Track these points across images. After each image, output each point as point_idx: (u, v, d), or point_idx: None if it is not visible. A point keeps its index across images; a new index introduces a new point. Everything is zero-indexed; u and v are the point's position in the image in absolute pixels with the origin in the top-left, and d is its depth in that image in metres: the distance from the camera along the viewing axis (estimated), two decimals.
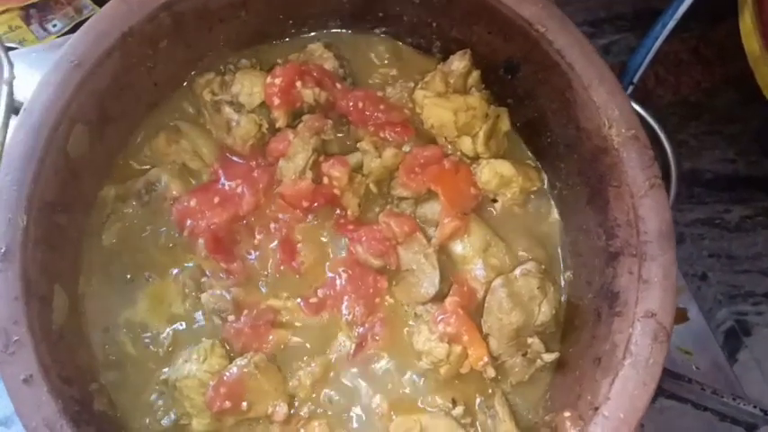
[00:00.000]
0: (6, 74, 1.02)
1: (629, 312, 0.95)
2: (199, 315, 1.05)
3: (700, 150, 1.80)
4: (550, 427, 0.98)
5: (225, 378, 0.98)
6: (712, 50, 1.81)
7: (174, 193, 1.09)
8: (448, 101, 1.08)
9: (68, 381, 0.95)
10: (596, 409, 0.91)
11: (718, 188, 1.77)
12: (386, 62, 1.19)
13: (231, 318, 1.03)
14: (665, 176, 1.04)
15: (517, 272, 1.04)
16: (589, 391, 0.95)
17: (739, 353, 1.50)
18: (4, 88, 1.01)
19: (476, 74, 1.13)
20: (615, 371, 0.92)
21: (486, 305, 1.04)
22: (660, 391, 0.90)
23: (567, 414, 0.96)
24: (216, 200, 1.08)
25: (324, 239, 1.10)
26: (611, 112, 0.99)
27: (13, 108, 1.14)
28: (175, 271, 1.08)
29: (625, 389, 0.91)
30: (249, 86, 1.08)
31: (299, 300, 1.07)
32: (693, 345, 1.33)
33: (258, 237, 1.09)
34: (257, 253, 1.09)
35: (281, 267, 1.08)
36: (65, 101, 0.98)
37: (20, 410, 0.89)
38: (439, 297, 1.06)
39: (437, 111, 1.08)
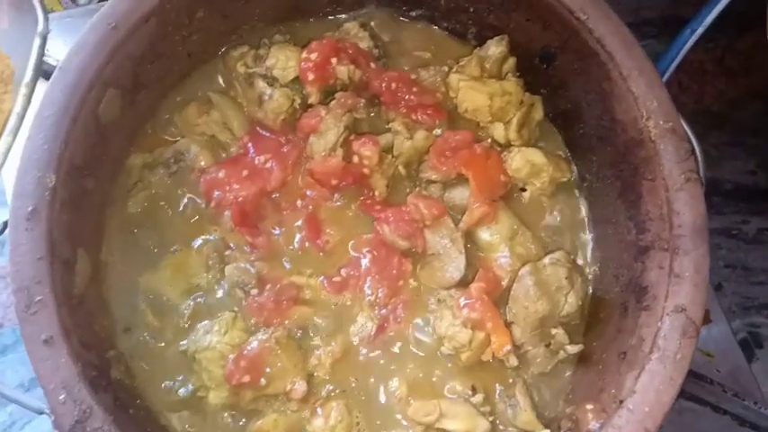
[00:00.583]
0: (41, 26, 0.98)
1: (658, 307, 0.94)
2: (221, 287, 1.04)
3: (720, 160, 1.79)
4: (572, 420, 0.97)
5: (245, 352, 0.97)
6: (738, 61, 1.81)
7: (203, 164, 1.08)
8: (484, 85, 1.07)
9: (87, 346, 0.94)
10: (621, 402, 0.90)
11: (738, 199, 1.76)
12: (420, 46, 1.19)
13: (254, 292, 1.03)
14: None
15: (546, 260, 1.03)
16: (613, 385, 0.94)
17: (751, 364, 1.49)
18: (37, 41, 0.98)
19: (512, 60, 1.12)
20: (641, 365, 0.91)
21: (512, 293, 1.02)
22: (680, 393, 0.88)
23: (589, 407, 0.95)
24: (244, 173, 1.07)
25: (350, 219, 1.09)
26: (650, 104, 0.98)
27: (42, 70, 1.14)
28: (199, 242, 1.07)
29: (651, 383, 0.89)
30: (284, 61, 1.07)
31: (322, 278, 1.06)
32: (715, 348, 1.32)
33: (285, 212, 1.08)
34: (283, 229, 1.08)
35: (306, 244, 1.07)
36: (100, 63, 0.98)
37: (39, 371, 0.89)
38: (463, 283, 1.05)
39: (472, 94, 1.07)
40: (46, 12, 1.00)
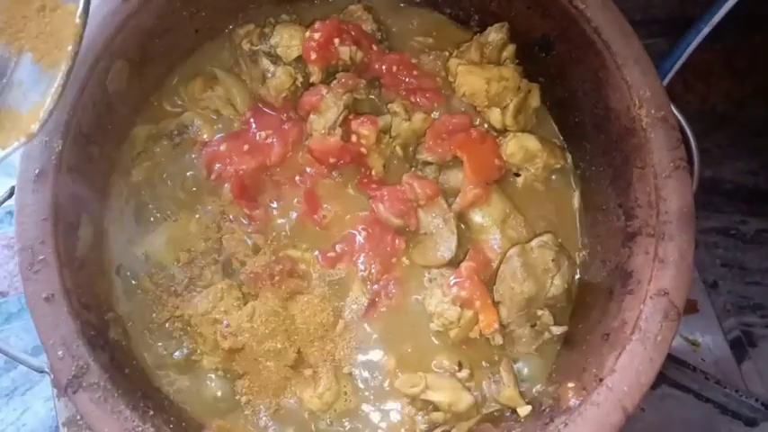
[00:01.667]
0: None
1: (642, 290, 0.96)
2: (218, 257, 1.07)
3: (722, 160, 1.79)
4: (553, 398, 0.99)
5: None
6: (744, 62, 1.81)
7: (205, 137, 1.12)
8: (482, 69, 1.09)
9: (87, 306, 0.98)
10: (600, 380, 0.92)
11: (737, 199, 1.77)
12: (422, 31, 1.21)
13: (250, 262, 1.05)
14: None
15: (534, 243, 1.06)
16: (595, 365, 0.96)
17: (743, 363, 1.50)
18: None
19: (511, 47, 1.14)
20: (623, 345, 0.93)
21: (499, 273, 1.05)
22: (663, 379, 0.90)
23: (570, 385, 0.96)
24: (246, 147, 1.10)
25: (347, 196, 1.12)
26: (643, 93, 1.00)
27: None
28: (198, 213, 1.09)
29: (631, 363, 0.91)
30: (288, 39, 1.10)
31: (316, 252, 1.08)
32: (701, 337, 1.34)
33: (283, 187, 1.11)
34: (281, 203, 1.11)
35: (303, 219, 1.10)
36: (109, 34, 1.01)
37: (39, 327, 0.92)
38: (454, 263, 1.07)
39: (470, 78, 1.09)
40: None
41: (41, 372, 1.07)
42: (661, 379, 0.92)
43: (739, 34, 1.76)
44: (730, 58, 1.81)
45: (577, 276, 1.11)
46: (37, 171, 0.95)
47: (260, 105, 1.14)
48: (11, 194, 1.03)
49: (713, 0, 1.30)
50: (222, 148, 1.10)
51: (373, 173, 1.11)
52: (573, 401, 0.94)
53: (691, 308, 1.36)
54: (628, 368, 0.91)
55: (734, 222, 1.73)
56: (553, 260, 1.04)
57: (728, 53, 1.81)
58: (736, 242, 1.71)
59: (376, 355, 1.05)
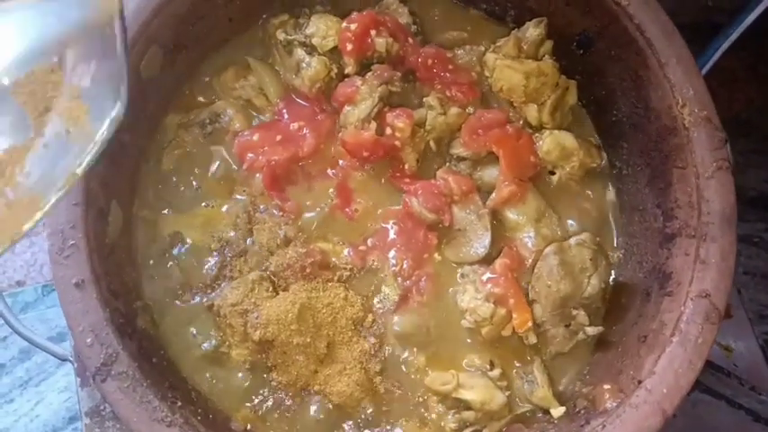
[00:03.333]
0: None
1: (682, 292, 0.94)
2: (248, 248, 1.06)
3: (746, 168, 1.78)
4: (588, 399, 0.97)
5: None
6: None
7: (237, 126, 1.10)
8: (521, 64, 1.08)
9: (116, 294, 0.96)
10: (639, 382, 0.91)
11: (761, 207, 1.75)
12: (457, 25, 1.19)
13: (280, 253, 1.04)
14: None
15: (572, 241, 1.04)
16: (632, 367, 0.95)
17: None
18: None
19: (549, 44, 1.12)
20: (662, 347, 0.92)
21: (535, 271, 1.03)
22: (696, 384, 0.89)
23: (606, 386, 0.95)
24: (278, 138, 1.09)
25: (379, 190, 1.10)
26: (686, 92, 0.98)
27: None
28: (229, 203, 1.08)
29: (671, 365, 0.90)
30: (324, 29, 1.08)
31: (348, 246, 1.07)
32: (734, 342, 1.32)
33: (315, 179, 1.10)
34: (312, 195, 1.09)
35: (335, 212, 1.08)
36: (145, 19, 1.00)
37: (68, 313, 0.91)
38: (487, 260, 1.06)
39: (508, 73, 1.08)
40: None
41: (64, 360, 1.06)
42: (694, 385, 0.90)
43: (764, 42, 1.74)
44: (755, 65, 1.80)
45: (612, 276, 1.10)
46: None
47: (293, 96, 1.13)
48: None
49: (739, 7, 1.29)
50: (255, 137, 1.08)
51: (406, 167, 1.09)
52: (609, 403, 0.92)
53: (726, 312, 1.34)
54: (667, 370, 0.90)
55: (757, 231, 1.72)
56: (591, 259, 1.02)
57: (754, 60, 1.80)
58: (759, 251, 1.70)
59: (406, 351, 1.04)
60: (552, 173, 1.12)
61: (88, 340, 0.90)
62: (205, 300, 1.03)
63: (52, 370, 1.63)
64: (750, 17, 1.33)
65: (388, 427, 1.01)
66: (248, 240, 1.06)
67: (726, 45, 1.34)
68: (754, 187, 1.77)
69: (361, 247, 1.07)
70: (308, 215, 1.08)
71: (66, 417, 1.60)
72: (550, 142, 1.09)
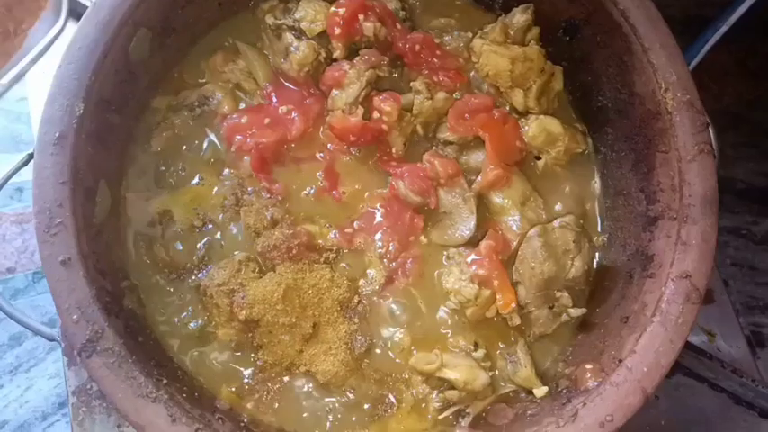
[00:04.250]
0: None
1: (663, 273, 0.95)
2: (235, 228, 1.07)
3: (735, 160, 1.79)
4: (570, 379, 0.98)
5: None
6: (759, 63, 1.81)
7: (226, 109, 1.11)
8: (507, 49, 1.09)
9: (102, 273, 0.97)
10: (620, 361, 0.92)
11: (750, 199, 1.76)
12: (445, 12, 1.20)
13: (267, 234, 1.04)
14: None
15: (555, 223, 1.05)
16: (613, 347, 0.96)
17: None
18: None
19: (536, 30, 1.13)
20: (643, 327, 0.93)
21: (519, 253, 1.04)
22: (678, 367, 0.90)
23: (588, 366, 0.96)
24: (267, 121, 1.09)
25: (366, 174, 1.11)
26: (669, 77, 0.99)
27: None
28: (216, 185, 1.09)
29: (651, 344, 0.91)
30: (312, 14, 1.09)
31: (334, 228, 1.08)
32: (717, 327, 1.33)
33: (303, 162, 1.10)
34: (300, 177, 1.10)
35: (322, 195, 1.09)
36: (133, 1, 1.00)
37: (55, 290, 0.91)
38: (472, 242, 1.07)
39: (494, 58, 1.09)
40: None
41: (52, 340, 1.06)
42: (676, 368, 0.91)
43: (754, 36, 1.76)
44: (745, 59, 1.81)
45: (596, 260, 1.11)
46: (57, 134, 0.94)
47: (281, 80, 1.13)
48: (26, 163, 1.02)
49: (729, 0, 1.30)
50: (243, 120, 1.09)
51: (393, 151, 1.10)
52: (591, 383, 0.93)
53: (707, 298, 1.35)
54: (648, 349, 0.91)
55: (745, 222, 1.73)
56: (574, 241, 1.03)
57: (743, 54, 1.81)
58: (746, 242, 1.71)
59: (391, 332, 1.05)
60: (538, 158, 1.13)
61: (74, 317, 0.90)
62: (192, 280, 1.04)
63: (42, 356, 1.64)
64: (739, 10, 1.34)
65: (373, 406, 1.02)
66: (236, 222, 1.06)
67: (715, 38, 1.35)
68: (743, 179, 1.78)
69: (348, 230, 1.08)
70: (295, 198, 1.09)
71: (55, 402, 1.61)
72: (536, 127, 1.10)
